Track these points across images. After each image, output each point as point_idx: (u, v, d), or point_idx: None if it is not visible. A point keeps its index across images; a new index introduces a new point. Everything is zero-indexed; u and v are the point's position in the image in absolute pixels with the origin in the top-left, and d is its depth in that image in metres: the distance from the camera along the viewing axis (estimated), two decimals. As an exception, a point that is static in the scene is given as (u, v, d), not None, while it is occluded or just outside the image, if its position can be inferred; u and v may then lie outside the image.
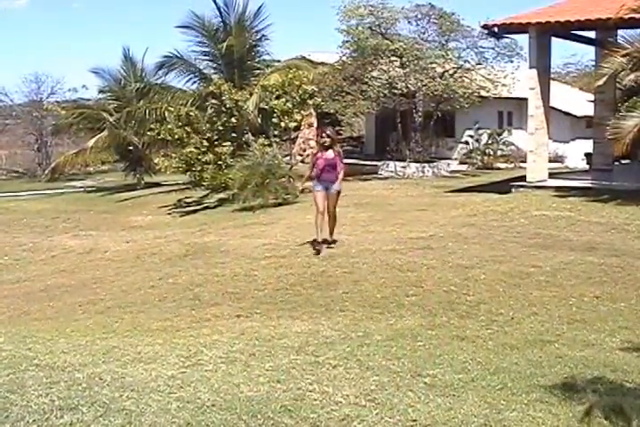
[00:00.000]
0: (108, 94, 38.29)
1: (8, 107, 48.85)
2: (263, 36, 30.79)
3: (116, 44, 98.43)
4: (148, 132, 29.22)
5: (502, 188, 20.63)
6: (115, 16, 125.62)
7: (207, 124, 26.28)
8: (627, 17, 16.67)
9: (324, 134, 12.67)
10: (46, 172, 41.24)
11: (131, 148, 34.89)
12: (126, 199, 30.39)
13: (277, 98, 25.45)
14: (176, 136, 26.09)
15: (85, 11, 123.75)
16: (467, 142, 36.00)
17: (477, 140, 35.49)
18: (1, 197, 34.77)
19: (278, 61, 32.42)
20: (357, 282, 9.84)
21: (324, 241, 12.44)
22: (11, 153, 48.70)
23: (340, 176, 12.45)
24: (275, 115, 25.22)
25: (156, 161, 28.91)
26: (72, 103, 40.89)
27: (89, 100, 42.19)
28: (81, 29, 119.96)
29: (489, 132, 35.48)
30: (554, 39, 20.80)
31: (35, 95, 47.95)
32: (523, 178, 20.57)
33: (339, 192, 12.63)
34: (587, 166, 25.88)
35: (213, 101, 26.39)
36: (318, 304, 8.84)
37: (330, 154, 12.48)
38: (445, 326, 7.71)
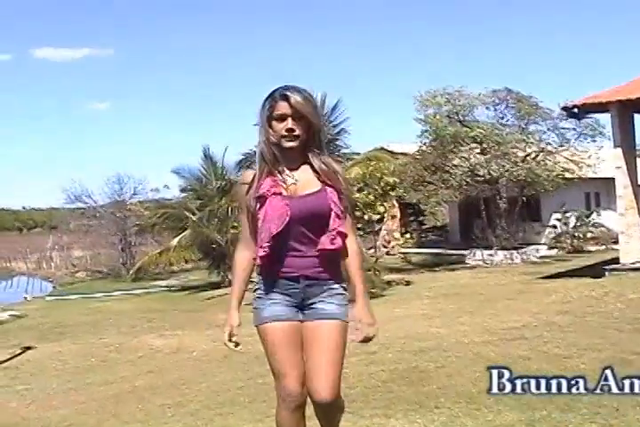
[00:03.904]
0: (190, 193, 38.86)
1: (92, 208, 49.91)
2: (342, 129, 31.09)
3: (196, 143, 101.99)
4: (231, 230, 29.47)
5: (595, 271, 20.06)
6: (193, 116, 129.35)
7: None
8: None
9: (282, 108, 4.15)
10: (131, 272, 41.82)
11: (214, 245, 35.14)
12: (211, 298, 30.42)
13: (359, 191, 25.48)
14: (259, 233, 26.18)
15: (164, 112, 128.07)
16: (554, 226, 35.48)
17: (565, 224, 34.93)
18: (87, 297, 35.27)
19: (358, 154, 32.61)
20: (451, 376, 9.44)
21: None
22: (94, 253, 49.64)
23: (356, 263, 4.60)
24: (357, 208, 25.21)
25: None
26: (154, 203, 41.65)
27: (170, 199, 42.95)
28: (162, 129, 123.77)
29: (577, 214, 34.96)
30: (637, 115, 20.54)
31: (117, 196, 49.04)
32: (616, 260, 20.01)
33: (346, 323, 4.68)
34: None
35: (295, 196, 26.50)
36: (412, 401, 8.46)
37: (306, 182, 4.28)
38: (546, 420, 7.24)
